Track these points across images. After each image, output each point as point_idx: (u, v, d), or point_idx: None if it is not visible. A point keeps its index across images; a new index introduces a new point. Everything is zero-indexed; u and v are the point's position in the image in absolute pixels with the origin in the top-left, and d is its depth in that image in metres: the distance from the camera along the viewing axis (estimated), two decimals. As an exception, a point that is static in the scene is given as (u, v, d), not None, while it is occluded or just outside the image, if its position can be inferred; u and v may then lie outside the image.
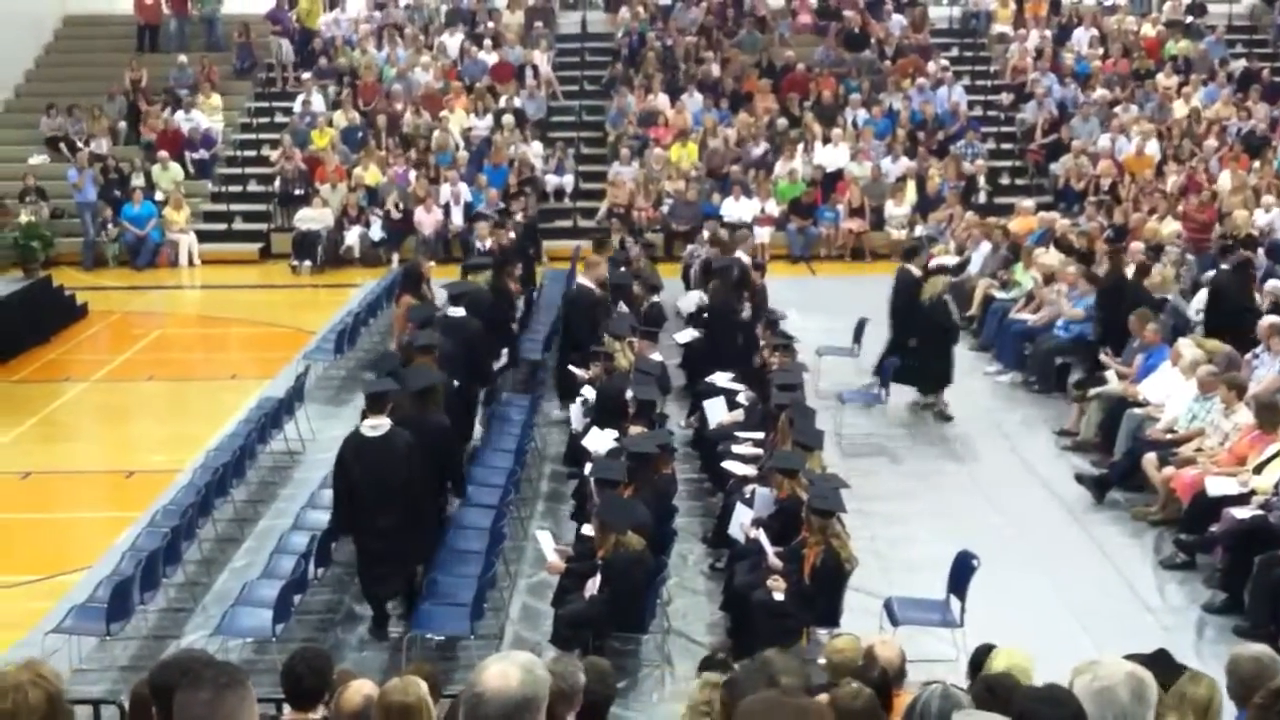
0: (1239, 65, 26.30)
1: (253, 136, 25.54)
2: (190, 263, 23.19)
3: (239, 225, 24.11)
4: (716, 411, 12.98)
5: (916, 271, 15.39)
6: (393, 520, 9.88)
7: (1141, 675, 3.89)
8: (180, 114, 25.23)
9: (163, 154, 24.23)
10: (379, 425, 9.99)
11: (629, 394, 12.06)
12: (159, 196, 23.61)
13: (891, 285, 15.52)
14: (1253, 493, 10.80)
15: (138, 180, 23.79)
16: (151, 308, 21.23)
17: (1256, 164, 22.92)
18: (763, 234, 22.57)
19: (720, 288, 15.34)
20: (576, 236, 22.86)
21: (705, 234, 20.11)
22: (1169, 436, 12.33)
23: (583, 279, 15.51)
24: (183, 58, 26.60)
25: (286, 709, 6.21)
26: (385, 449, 9.88)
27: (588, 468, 11.04)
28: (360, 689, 5.55)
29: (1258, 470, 10.98)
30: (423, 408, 10.54)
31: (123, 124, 25.59)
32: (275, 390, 14.86)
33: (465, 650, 9.62)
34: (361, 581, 10.32)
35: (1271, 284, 15.83)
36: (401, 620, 10.10)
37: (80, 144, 24.51)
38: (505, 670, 3.52)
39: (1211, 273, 16.51)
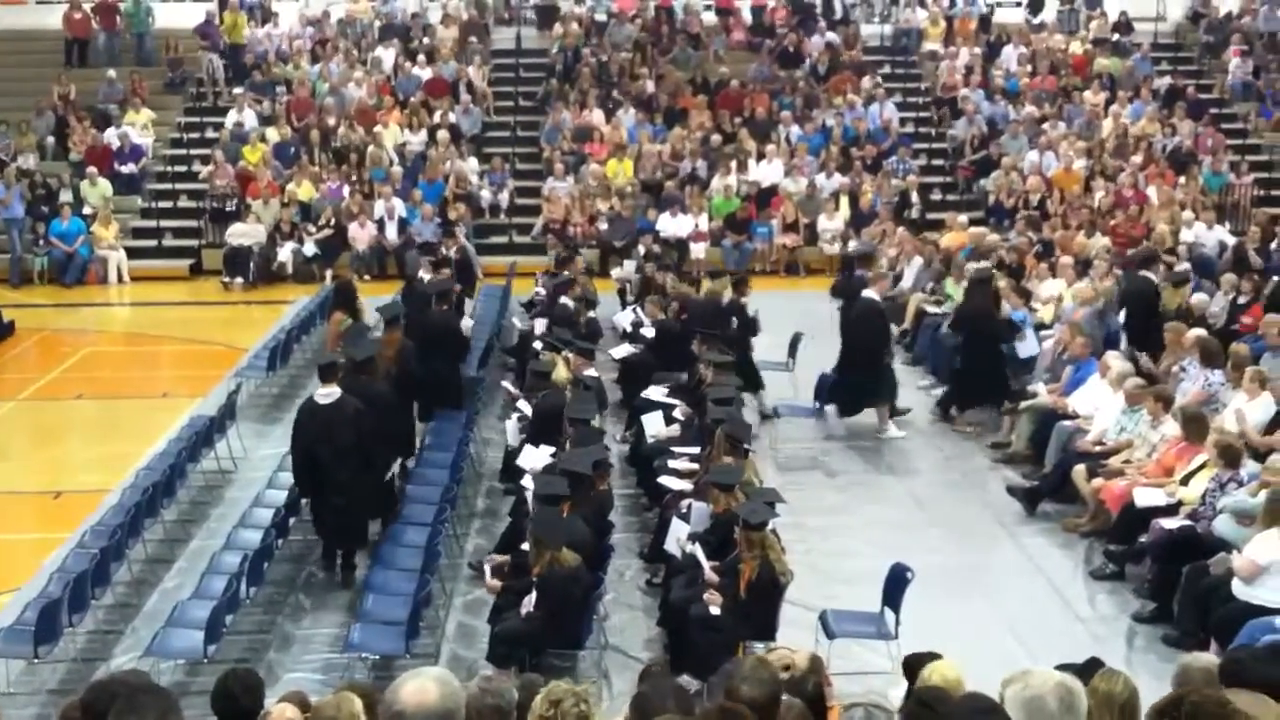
0: (1164, 82, 26.77)
1: (183, 152, 25.30)
2: (120, 279, 22.89)
3: (169, 241, 23.83)
4: (654, 425, 13.00)
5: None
6: (346, 478, 10.96)
7: (1071, 685, 3.94)
8: (110, 129, 24.94)
9: (91, 170, 23.92)
10: (330, 393, 11.04)
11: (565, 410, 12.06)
12: (87, 212, 23.30)
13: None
14: (1180, 503, 10.97)
15: (66, 196, 23.46)
16: (80, 325, 20.94)
17: (1182, 180, 23.33)
18: (698, 249, 22.67)
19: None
20: (512, 252, 22.87)
21: (640, 249, 20.20)
22: (1098, 448, 12.50)
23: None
24: (112, 72, 26.31)
25: (219, 731, 6.13)
26: (336, 414, 10.94)
27: (525, 483, 11.02)
28: (284, 712, 5.49)
29: (1184, 481, 11.15)
30: (367, 377, 11.73)
31: (51, 139, 25.24)
32: (206, 408, 14.70)
33: (401, 669, 9.51)
34: (322, 538, 11.40)
35: (1198, 297, 16.13)
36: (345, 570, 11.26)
37: (7, 159, 24.15)
38: (423, 685, 3.51)
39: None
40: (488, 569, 10.11)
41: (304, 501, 11.56)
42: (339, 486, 11.02)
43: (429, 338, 14.07)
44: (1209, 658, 5.72)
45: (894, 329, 16.26)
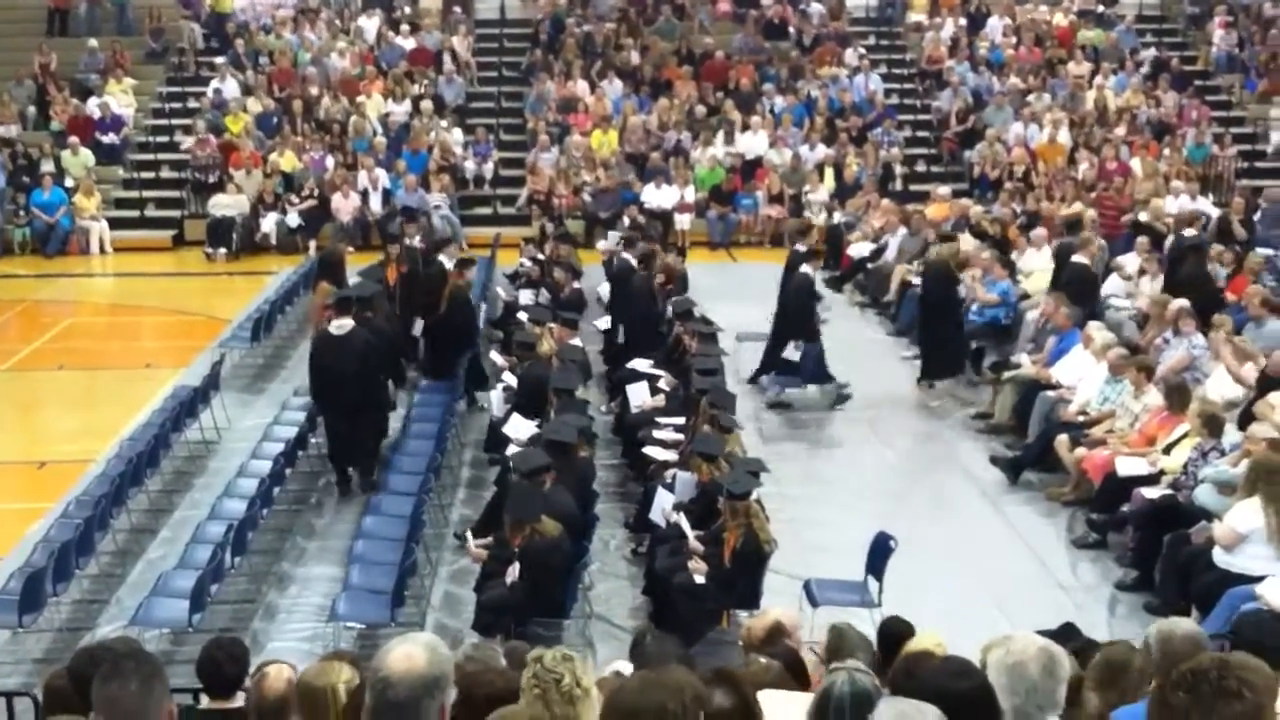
0: (1149, 54, 26.77)
1: (165, 122, 25.15)
2: (101, 250, 22.79)
3: (151, 212, 23.72)
4: (638, 396, 13.02)
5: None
6: (354, 401, 12.21)
7: (1053, 650, 3.96)
8: (92, 99, 24.79)
9: (73, 139, 23.78)
10: (343, 325, 12.22)
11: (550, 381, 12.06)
12: (69, 183, 23.16)
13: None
14: (1162, 473, 11.03)
15: (47, 166, 23.34)
16: (62, 296, 20.83)
17: (1166, 151, 23.36)
18: (683, 220, 22.65)
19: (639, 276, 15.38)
20: (496, 224, 22.82)
21: (625, 220, 20.17)
22: (1081, 418, 12.55)
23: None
24: (93, 42, 26.12)
25: (204, 699, 6.15)
26: (348, 344, 12.12)
27: (510, 452, 11.03)
28: (281, 673, 5.50)
29: (1167, 451, 11.21)
30: (371, 314, 12.93)
31: (32, 109, 25.08)
32: (190, 379, 14.64)
33: (387, 638, 9.47)
34: (331, 454, 12.60)
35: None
36: (364, 486, 12.33)
37: (-13, 129, 24.02)
38: (410, 651, 3.50)
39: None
40: (470, 539, 10.12)
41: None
42: (348, 409, 12.24)
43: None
44: (1188, 624, 5.75)
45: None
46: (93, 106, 24.65)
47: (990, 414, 14.24)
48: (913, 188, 23.46)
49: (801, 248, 15.77)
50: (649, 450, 11.78)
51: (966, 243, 17.40)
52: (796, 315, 14.70)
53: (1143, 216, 19.56)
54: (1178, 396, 11.55)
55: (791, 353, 14.49)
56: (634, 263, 15.79)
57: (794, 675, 5.31)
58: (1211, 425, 10.80)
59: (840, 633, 5.61)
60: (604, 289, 17.45)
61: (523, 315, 14.92)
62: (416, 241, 16.25)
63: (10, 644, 9.65)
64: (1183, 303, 13.89)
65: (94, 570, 10.79)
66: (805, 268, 15.03)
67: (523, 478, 9.93)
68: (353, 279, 15.42)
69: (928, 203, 20.96)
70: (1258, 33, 27.33)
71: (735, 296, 17.94)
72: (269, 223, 22.67)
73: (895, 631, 6.68)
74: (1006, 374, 14.19)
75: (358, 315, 12.53)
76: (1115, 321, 15.11)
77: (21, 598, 9.31)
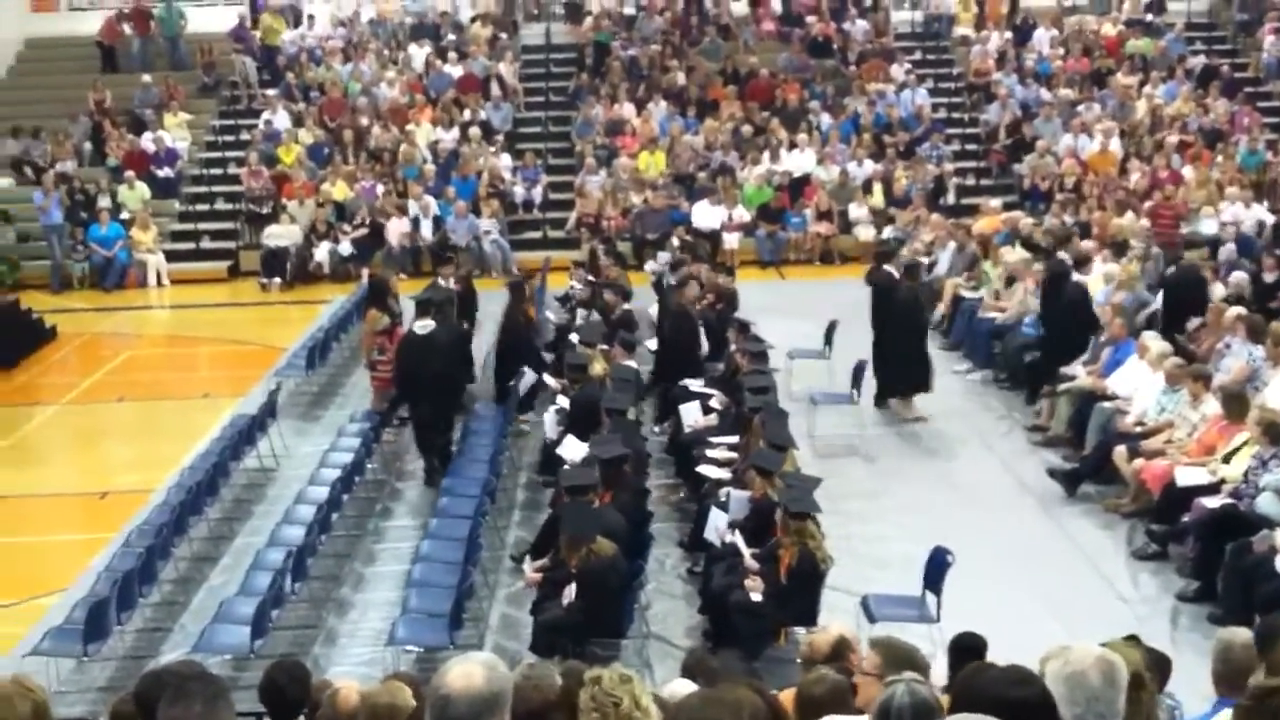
0: (1198, 62, 26.54)
1: (218, 155, 25.48)
2: (159, 283, 23.10)
3: (207, 244, 24.04)
4: (691, 415, 13.03)
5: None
6: (435, 395, 13.29)
7: (1112, 659, 3.94)
8: (146, 134, 25.16)
9: (129, 174, 24.16)
10: (426, 325, 13.35)
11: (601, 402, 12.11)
12: (125, 217, 23.50)
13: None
14: (1222, 482, 10.90)
15: (104, 201, 23.71)
16: (121, 329, 21.14)
17: (1219, 159, 23.14)
18: (731, 240, 22.67)
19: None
20: (546, 248, 22.94)
21: (674, 241, 20.21)
22: (1138, 429, 12.43)
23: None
24: (146, 77, 26.53)
25: (267, 722, 6.21)
26: (431, 342, 13.25)
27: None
28: (353, 691, 5.60)
29: (1226, 459, 11.09)
30: (447, 317, 14.20)
31: (88, 145, 25.50)
32: (247, 408, 14.82)
33: (445, 661, 9.58)
34: (417, 443, 13.65)
35: (1236, 275, 16.01)
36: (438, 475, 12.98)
37: (45, 166, 24.41)
38: (469, 670, 3.53)
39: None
40: (527, 567, 10.17)
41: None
42: (428, 404, 13.34)
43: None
44: (1247, 633, 5.70)
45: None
46: (147, 141, 25.02)
47: (1046, 426, 14.14)
48: (963, 201, 23.35)
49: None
50: (702, 469, 11.79)
51: (1016, 255, 17.32)
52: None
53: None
54: (1236, 404, 11.42)
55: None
56: (673, 282, 15.89)
57: (847, 696, 5.30)
58: (1272, 433, 10.66)
59: (889, 645, 5.59)
60: (653, 310, 17.50)
61: (574, 337, 14.99)
62: (451, 284, 16.43)
63: (75, 673, 9.79)
64: (1241, 310, 13.74)
65: (156, 598, 10.93)
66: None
67: (569, 494, 9.99)
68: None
69: (977, 215, 20.87)
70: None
71: (786, 314, 17.92)
72: (322, 252, 22.89)
73: (967, 645, 6.65)
74: (1062, 386, 14.09)
75: (436, 316, 13.62)
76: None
77: (86, 627, 9.44)
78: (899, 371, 14.97)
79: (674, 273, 16.48)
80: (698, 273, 16.78)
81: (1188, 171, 22.63)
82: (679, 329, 15.04)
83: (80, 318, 21.25)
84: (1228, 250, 18.52)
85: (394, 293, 15.55)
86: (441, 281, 16.47)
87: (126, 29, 27.58)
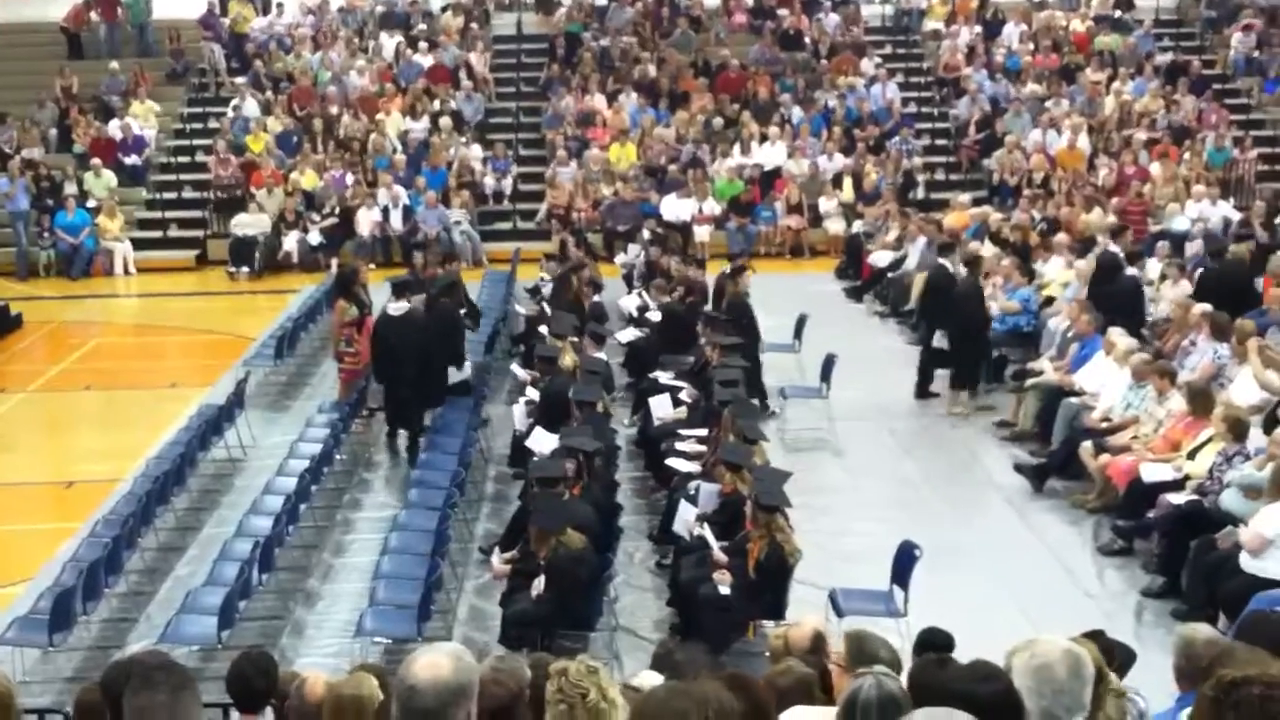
0: (1167, 58, 26.71)
1: (186, 143, 25.32)
2: (126, 271, 22.94)
3: (174, 232, 23.88)
4: (661, 408, 13.04)
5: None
6: (411, 373, 13.58)
7: (1078, 652, 3.97)
8: (114, 121, 24.96)
9: (95, 161, 23.96)
10: (400, 307, 13.78)
11: (570, 394, 12.10)
12: (92, 204, 23.32)
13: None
14: (1187, 478, 10.99)
15: (70, 188, 23.52)
16: (87, 317, 20.99)
17: (1186, 155, 23.29)
18: (702, 232, 22.68)
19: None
20: (516, 239, 22.91)
21: (645, 233, 20.21)
22: (1105, 425, 12.51)
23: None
24: (114, 64, 26.32)
25: (234, 714, 6.19)
26: (405, 322, 13.62)
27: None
28: (321, 680, 5.59)
29: (1191, 456, 11.17)
30: (447, 300, 14.81)
31: (54, 132, 25.28)
32: (215, 397, 14.75)
33: (413, 653, 9.58)
34: (389, 419, 14.05)
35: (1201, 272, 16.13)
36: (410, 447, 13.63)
37: (11, 152, 24.20)
38: (436, 660, 3.52)
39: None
40: (495, 560, 10.17)
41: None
42: (404, 382, 13.60)
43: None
44: (1209, 629, 5.76)
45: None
46: (114, 128, 24.83)
47: (1013, 422, 14.21)
48: (933, 196, 23.44)
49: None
50: (671, 462, 11.81)
51: (986, 250, 17.40)
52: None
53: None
54: (1201, 401, 11.51)
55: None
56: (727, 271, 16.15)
57: (822, 688, 5.32)
58: (1236, 429, 10.76)
59: (861, 637, 5.61)
60: (624, 302, 17.51)
61: (544, 329, 14.98)
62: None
63: (41, 663, 9.73)
64: (1206, 307, 13.85)
65: (123, 589, 10.87)
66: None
67: (539, 485, 9.99)
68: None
69: (947, 210, 20.95)
70: (1275, 35, 27.21)
71: (757, 307, 17.93)
72: (291, 241, 22.78)
73: (934, 641, 6.66)
74: (1029, 381, 14.17)
75: (431, 299, 14.30)
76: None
77: (51, 617, 9.39)
78: (969, 366, 14.93)
79: (731, 266, 16.63)
80: (749, 264, 16.84)
81: (1155, 168, 22.77)
82: (736, 318, 14.99)
83: (46, 306, 21.10)
84: (1195, 247, 18.64)
85: (362, 283, 15.50)
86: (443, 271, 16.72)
87: (94, 15, 27.35)
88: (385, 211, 23.00)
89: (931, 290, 15.47)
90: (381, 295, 15.78)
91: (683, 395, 13.32)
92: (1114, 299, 14.83)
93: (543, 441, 11.62)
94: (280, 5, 28.59)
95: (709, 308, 15.93)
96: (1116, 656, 5.80)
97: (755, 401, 13.86)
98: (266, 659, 6.24)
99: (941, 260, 15.79)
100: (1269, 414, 11.70)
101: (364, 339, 14.47)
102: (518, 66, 27.22)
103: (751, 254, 22.80)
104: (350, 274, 15.53)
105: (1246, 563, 9.48)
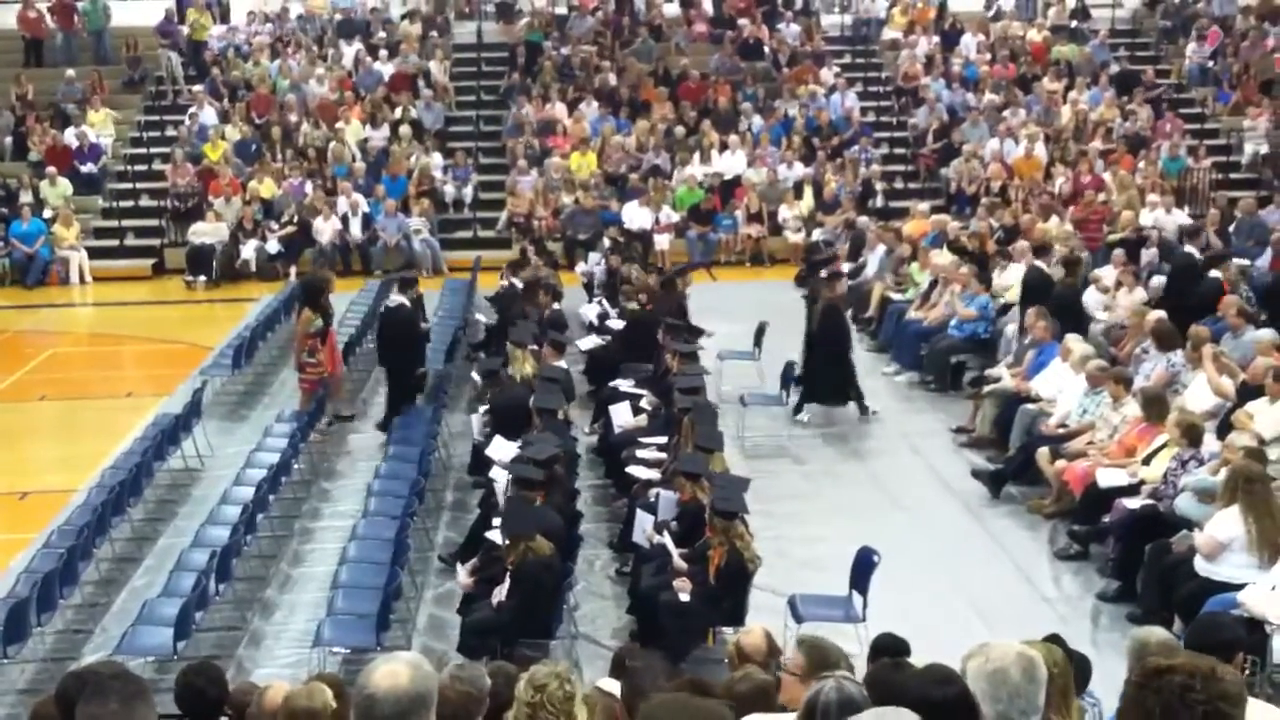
0: (1117, 68, 26.93)
1: (143, 151, 25.14)
2: (81, 280, 22.74)
3: (131, 241, 23.70)
4: (621, 416, 13.05)
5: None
6: (390, 362, 14.91)
7: (1031, 655, 4.00)
8: (70, 129, 24.77)
9: (51, 170, 23.76)
10: (394, 300, 15.19)
11: (531, 402, 12.09)
12: (48, 213, 23.12)
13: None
14: (1142, 483, 11.08)
15: (26, 197, 23.29)
16: (42, 326, 20.80)
17: (1141, 164, 23.51)
18: (662, 241, 22.71)
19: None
20: (476, 247, 22.86)
21: (605, 242, 20.21)
22: (1061, 431, 12.61)
23: None
24: (71, 71, 26.13)
25: (189, 725, 6.15)
26: (391, 315, 15.09)
27: (493, 474, 11.05)
28: (281, 689, 5.56)
29: (1146, 461, 11.27)
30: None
31: (9, 139, 25.06)
32: (172, 407, 14.64)
33: (371, 662, 9.53)
34: (392, 404, 14.77)
35: (1157, 280, 16.28)
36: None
37: (-36, 161, 23.99)
38: (394, 670, 3.53)
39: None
40: (460, 573, 10.13)
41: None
42: (419, 361, 15.10)
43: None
44: (1162, 633, 5.82)
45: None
46: (71, 136, 24.63)
47: (971, 428, 14.30)
48: (892, 204, 23.56)
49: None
50: (632, 470, 11.81)
51: (944, 258, 17.51)
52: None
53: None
54: (1156, 407, 11.62)
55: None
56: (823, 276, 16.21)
57: (771, 695, 5.34)
58: (1191, 434, 10.86)
59: (817, 645, 5.63)
60: (584, 310, 17.50)
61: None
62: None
63: (-6, 675, 9.62)
64: (1159, 314, 13.97)
65: (78, 600, 10.77)
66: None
67: (517, 486, 9.98)
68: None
69: (906, 218, 21.06)
70: (1229, 45, 27.53)
71: (717, 316, 17.96)
72: (249, 250, 22.65)
73: (889, 646, 6.70)
74: (986, 388, 14.27)
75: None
76: (1092, 334, 15.19)
77: (5, 628, 9.29)
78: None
79: (815, 273, 16.75)
80: (839, 268, 17.04)
81: (1109, 176, 22.97)
82: (830, 324, 15.00)
83: (1, 315, 20.87)
84: (1149, 254, 18.81)
85: (330, 292, 15.37)
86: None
87: (50, 22, 27.14)
88: (345, 220, 22.91)
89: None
90: (342, 305, 15.82)
91: (643, 403, 13.34)
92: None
93: (502, 450, 11.59)
94: (250, 14, 28.42)
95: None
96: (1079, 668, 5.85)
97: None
98: (215, 669, 6.21)
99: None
100: (1222, 419, 11.82)
101: (328, 351, 14.40)
102: (478, 75, 27.19)
103: (713, 262, 23.00)
104: (321, 283, 15.30)
105: (1201, 566, 9.56)
